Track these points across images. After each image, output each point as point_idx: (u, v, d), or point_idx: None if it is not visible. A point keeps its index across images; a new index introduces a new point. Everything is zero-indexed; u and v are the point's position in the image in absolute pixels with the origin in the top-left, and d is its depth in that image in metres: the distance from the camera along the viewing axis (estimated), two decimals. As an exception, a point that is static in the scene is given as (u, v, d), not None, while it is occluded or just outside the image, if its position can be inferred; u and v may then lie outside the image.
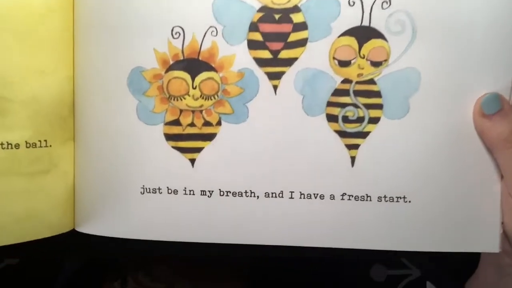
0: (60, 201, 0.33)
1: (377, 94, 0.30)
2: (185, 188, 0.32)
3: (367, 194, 0.31)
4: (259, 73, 0.30)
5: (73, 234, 0.34)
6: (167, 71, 0.31)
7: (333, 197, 0.31)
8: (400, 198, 0.31)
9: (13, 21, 0.29)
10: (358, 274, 0.45)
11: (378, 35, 0.30)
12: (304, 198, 0.32)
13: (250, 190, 0.32)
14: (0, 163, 0.29)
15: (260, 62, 0.30)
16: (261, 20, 0.30)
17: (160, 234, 0.33)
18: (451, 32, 0.29)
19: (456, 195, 0.31)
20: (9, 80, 0.29)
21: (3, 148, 0.30)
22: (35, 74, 0.30)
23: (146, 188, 0.32)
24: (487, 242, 0.31)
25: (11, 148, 0.30)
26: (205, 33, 0.30)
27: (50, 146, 0.31)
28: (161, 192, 0.32)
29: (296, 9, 0.30)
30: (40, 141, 0.31)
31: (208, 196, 0.32)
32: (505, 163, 0.29)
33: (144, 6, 0.30)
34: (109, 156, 0.32)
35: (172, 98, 0.31)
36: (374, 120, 0.31)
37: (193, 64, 0.31)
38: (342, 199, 0.31)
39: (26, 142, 0.30)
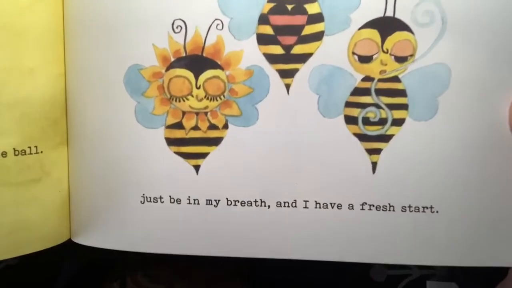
0: (54, 210, 0.30)
1: (402, 93, 0.27)
2: (189, 197, 0.29)
3: (389, 204, 0.28)
4: (270, 70, 0.27)
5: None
6: (167, 69, 0.28)
7: (352, 206, 0.29)
8: (427, 208, 0.28)
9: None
10: (358, 274, 0.44)
11: (404, 27, 0.26)
12: (319, 207, 0.29)
13: (261, 199, 0.29)
14: None
15: (271, 58, 0.27)
16: (272, 11, 0.27)
17: (162, 246, 0.30)
18: (485, 24, 0.26)
19: (489, 205, 0.28)
20: None
21: None
22: (22, 73, 0.27)
23: (146, 197, 0.29)
24: None
25: None
26: (210, 27, 0.27)
27: (41, 152, 0.29)
28: (163, 202, 0.29)
29: (311, -2, 0.26)
30: (29, 147, 0.28)
31: (214, 205, 0.29)
32: None
33: None
34: (105, 162, 0.29)
35: (174, 99, 0.28)
36: (398, 122, 0.27)
37: (197, 61, 0.27)
38: (362, 208, 0.28)
39: (14, 150, 0.27)
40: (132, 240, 0.30)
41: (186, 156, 0.29)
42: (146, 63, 0.28)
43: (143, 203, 0.29)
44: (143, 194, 0.29)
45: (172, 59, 0.28)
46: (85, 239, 0.31)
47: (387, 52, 0.27)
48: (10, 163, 0.27)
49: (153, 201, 0.29)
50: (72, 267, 0.46)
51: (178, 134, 0.28)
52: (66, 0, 0.28)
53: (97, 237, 0.30)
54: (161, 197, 0.29)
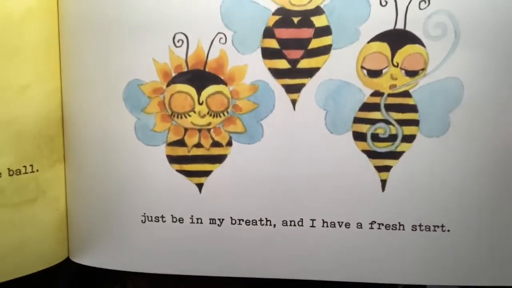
0: (51, 229, 0.29)
1: (413, 108, 0.26)
2: (192, 216, 0.28)
3: (399, 222, 0.27)
4: (275, 85, 0.26)
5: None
6: (168, 85, 0.26)
7: (361, 225, 0.27)
8: (438, 226, 0.27)
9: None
10: None
11: (415, 40, 0.25)
12: (327, 226, 0.28)
13: (266, 218, 0.28)
14: None
15: (277, 73, 0.26)
16: (277, 24, 0.25)
17: (163, 267, 0.29)
18: (500, 36, 0.25)
19: (503, 224, 0.27)
20: None
21: None
22: (16, 90, 0.26)
23: (147, 216, 0.28)
24: None
25: None
26: (213, 41, 0.26)
27: (37, 171, 0.27)
28: (165, 221, 0.28)
29: (318, 11, 0.25)
30: (25, 166, 0.27)
31: (218, 225, 0.28)
32: None
33: (141, 10, 0.26)
34: (104, 180, 0.28)
35: (175, 116, 0.27)
36: (409, 139, 0.26)
37: (199, 76, 0.26)
38: (371, 227, 0.27)
39: (9, 170, 0.26)
40: (133, 260, 0.29)
41: (188, 174, 0.28)
42: (146, 78, 0.26)
43: (144, 222, 0.28)
44: (144, 213, 0.28)
45: (173, 74, 0.26)
46: (83, 259, 0.30)
47: (397, 66, 0.26)
48: (5, 184, 0.26)
49: (154, 220, 0.28)
50: (72, 269, 0.44)
51: (180, 151, 0.27)
52: (61, 14, 0.27)
53: (96, 256, 0.29)
54: (162, 216, 0.28)
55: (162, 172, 0.27)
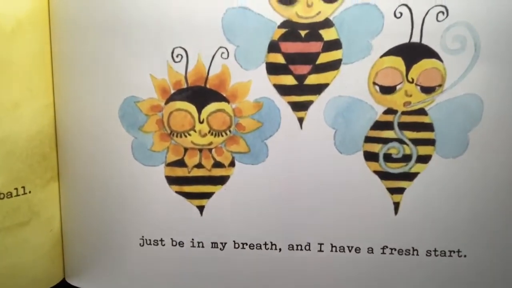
0: (45, 252, 0.27)
1: (429, 127, 0.24)
2: (193, 239, 0.26)
3: (413, 247, 0.25)
4: (281, 103, 0.24)
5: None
6: (167, 102, 0.25)
7: (372, 250, 0.26)
8: (454, 252, 0.25)
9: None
10: None
11: (431, 54, 0.23)
12: (336, 251, 0.26)
13: (271, 242, 0.26)
14: None
15: (283, 89, 0.24)
16: (283, 38, 0.23)
17: None
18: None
19: None
20: None
21: None
22: (6, 107, 0.24)
23: (146, 240, 0.27)
24: None
25: None
26: (214, 55, 0.24)
27: (29, 192, 0.26)
28: (164, 244, 0.26)
29: (327, 23, 0.23)
30: (16, 189, 0.25)
31: (221, 249, 0.26)
32: None
33: (137, 23, 0.24)
34: (100, 200, 0.26)
35: (175, 134, 0.25)
36: (424, 159, 0.24)
37: (199, 94, 0.24)
38: (383, 252, 0.26)
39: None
40: (131, 284, 0.27)
41: (189, 196, 0.26)
42: (143, 95, 0.25)
43: (142, 245, 0.27)
44: (142, 236, 0.27)
45: (172, 91, 0.24)
46: (80, 281, 0.28)
47: (412, 82, 0.24)
48: None
49: (153, 244, 0.27)
50: None
51: (180, 172, 0.26)
52: (53, 27, 0.25)
53: (94, 279, 0.28)
54: (162, 240, 0.26)
55: (161, 193, 0.26)
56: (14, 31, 0.24)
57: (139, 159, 0.25)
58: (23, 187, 0.25)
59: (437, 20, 0.23)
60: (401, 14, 0.23)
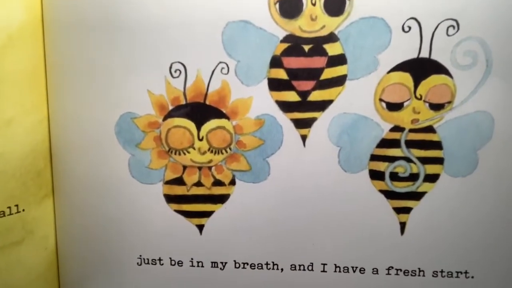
0: (40, 271, 0.26)
1: (437, 145, 0.23)
2: (192, 259, 0.25)
3: (419, 268, 0.24)
4: (284, 120, 0.23)
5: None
6: (165, 119, 0.23)
7: (377, 271, 0.25)
8: (461, 273, 0.24)
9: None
10: None
11: (441, 69, 0.22)
12: (339, 271, 0.25)
13: (273, 262, 0.25)
14: None
15: (285, 106, 0.23)
16: (286, 53, 0.22)
17: None
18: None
19: None
20: None
21: None
22: None
23: (144, 259, 0.25)
24: None
25: None
26: (213, 71, 0.22)
27: (23, 210, 0.24)
28: (163, 264, 0.25)
29: (332, 37, 0.22)
30: (9, 207, 0.24)
31: (221, 268, 0.25)
32: None
33: (134, 35, 0.23)
34: (96, 218, 0.25)
35: (173, 152, 0.24)
36: (432, 178, 0.23)
37: (199, 110, 0.23)
38: (388, 273, 0.24)
39: None
40: None
41: (188, 214, 0.25)
42: (140, 111, 0.23)
43: (140, 265, 0.26)
44: (140, 256, 0.25)
45: (170, 107, 0.23)
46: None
47: (420, 99, 0.22)
48: None
49: (152, 263, 0.25)
50: None
51: (178, 190, 0.24)
52: (48, 41, 0.24)
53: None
54: (160, 259, 0.25)
55: (159, 212, 0.25)
56: (5, 46, 0.22)
57: (137, 176, 0.24)
58: (16, 206, 0.24)
59: (448, 35, 0.22)
60: (410, 28, 0.22)
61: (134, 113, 0.23)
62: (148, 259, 0.25)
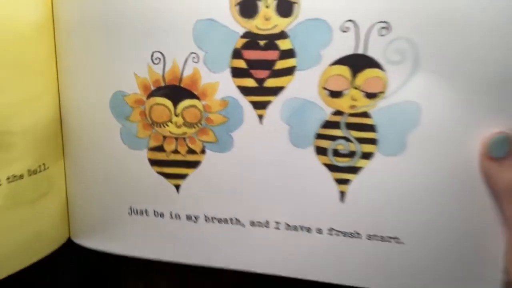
0: (57, 217, 0.31)
1: (372, 128, 0.26)
2: (171, 212, 0.30)
3: (356, 231, 0.28)
4: (244, 102, 0.27)
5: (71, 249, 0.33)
6: (148, 97, 0.28)
7: (320, 231, 0.28)
8: (392, 238, 0.27)
9: (2, 50, 0.26)
10: None
11: (374, 64, 0.25)
12: (290, 229, 0.29)
13: (236, 218, 0.29)
14: (7, 197, 0.27)
15: (245, 90, 0.27)
16: (245, 46, 0.26)
17: (147, 253, 0.31)
18: (458, 64, 0.24)
19: (455, 240, 0.27)
20: (9, 113, 0.27)
21: (9, 182, 0.27)
22: (31, 101, 0.28)
23: (133, 210, 0.30)
24: None
25: (16, 180, 0.28)
26: (186, 60, 0.27)
27: (48, 168, 0.30)
28: (148, 215, 0.30)
29: (283, 35, 0.26)
30: (39, 165, 0.29)
31: (194, 221, 0.30)
32: (509, 213, 0.25)
33: (124, 29, 0.27)
34: (97, 176, 0.30)
35: (155, 125, 0.28)
36: (367, 156, 0.27)
37: (175, 91, 0.27)
38: (330, 234, 0.28)
39: (29, 171, 0.28)
40: (122, 246, 0.31)
41: (167, 176, 0.29)
42: (129, 90, 0.28)
43: (131, 214, 0.31)
44: (130, 207, 0.30)
45: (152, 88, 0.28)
46: (82, 240, 0.32)
47: (357, 88, 0.26)
48: (26, 184, 0.28)
49: (139, 214, 0.30)
50: (72, 278, 0.43)
51: (160, 156, 0.29)
52: (57, 33, 0.29)
53: (92, 240, 0.32)
54: (146, 211, 0.30)
55: (145, 173, 0.29)
56: (31, 36, 0.27)
57: (127, 143, 0.29)
58: (44, 164, 0.29)
59: (381, 35, 0.25)
60: (348, 28, 0.25)
61: (124, 92, 0.28)
62: (136, 210, 0.30)
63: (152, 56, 0.27)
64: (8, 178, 0.27)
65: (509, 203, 0.25)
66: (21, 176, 0.28)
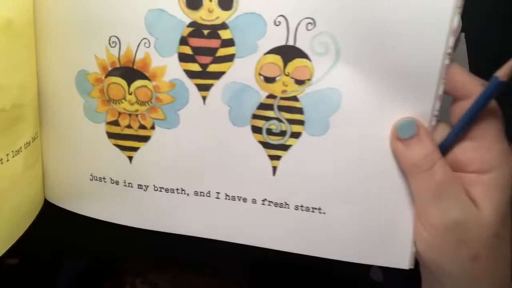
0: (41, 182, 0.35)
1: (300, 111, 0.30)
2: (125, 180, 0.33)
3: (285, 202, 0.31)
4: (189, 84, 0.30)
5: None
6: (106, 76, 0.31)
7: (255, 201, 0.32)
8: (316, 209, 0.31)
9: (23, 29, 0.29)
10: (358, 274, 0.45)
11: (302, 55, 0.29)
12: (229, 199, 0.32)
13: (181, 188, 0.33)
14: (25, 160, 0.31)
15: (190, 74, 0.30)
16: (190, 34, 0.29)
17: (106, 216, 0.34)
18: (374, 57, 0.28)
19: (370, 212, 0.30)
20: (26, 86, 0.30)
21: (25, 148, 0.31)
22: (34, 77, 0.31)
23: (94, 176, 0.33)
24: (398, 259, 0.31)
25: (27, 146, 0.31)
26: (139, 44, 0.30)
27: (38, 136, 0.33)
28: (106, 182, 0.33)
29: (224, 26, 0.29)
30: (36, 133, 0.32)
31: (144, 190, 0.33)
32: (415, 188, 0.28)
33: (86, 14, 0.30)
34: (65, 146, 0.33)
35: (112, 101, 0.32)
36: (296, 135, 0.30)
37: (129, 72, 0.30)
38: (263, 204, 0.32)
39: (32, 139, 0.32)
40: (86, 207, 0.34)
41: (122, 148, 0.32)
42: (90, 69, 0.31)
43: (92, 180, 0.34)
44: (91, 174, 0.34)
45: (110, 69, 0.31)
46: (54, 202, 0.36)
47: (288, 75, 0.29)
48: (30, 151, 0.32)
49: (99, 180, 0.33)
50: (71, 272, 0.46)
51: (115, 130, 0.32)
52: (37, 13, 0.31)
53: (63, 202, 0.35)
54: (104, 178, 0.33)
55: (103, 144, 0.32)
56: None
57: (88, 117, 0.32)
58: (37, 132, 0.33)
59: (307, 29, 0.28)
60: (280, 22, 0.28)
61: (87, 71, 0.31)
62: (96, 177, 0.33)
63: (109, 40, 0.30)
64: (24, 145, 0.31)
65: (415, 178, 0.28)
66: (28, 143, 0.32)
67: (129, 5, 0.29)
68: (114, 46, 0.30)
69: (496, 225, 0.27)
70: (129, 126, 0.32)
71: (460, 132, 0.27)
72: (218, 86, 0.30)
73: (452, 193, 0.27)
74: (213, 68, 0.29)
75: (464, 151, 0.28)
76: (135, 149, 0.32)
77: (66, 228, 0.39)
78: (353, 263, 0.31)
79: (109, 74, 0.31)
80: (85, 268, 0.45)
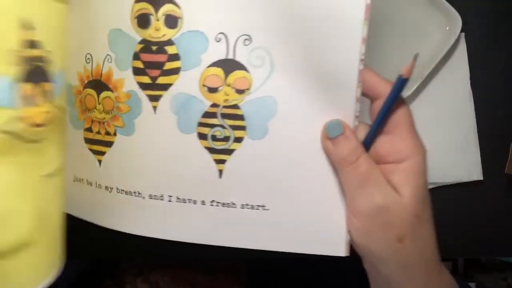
0: None
1: (241, 118, 0.32)
2: (96, 182, 0.36)
3: (232, 202, 0.33)
4: (142, 95, 0.33)
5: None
6: (83, 89, 0.35)
7: (204, 202, 0.34)
8: (260, 206, 0.33)
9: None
10: (357, 273, 0.44)
11: (241, 67, 0.31)
12: (180, 202, 0.34)
13: (138, 192, 0.35)
14: None
15: (142, 85, 0.32)
16: (142, 50, 0.32)
17: (84, 216, 0.38)
18: (303, 68, 0.30)
19: (308, 207, 0.32)
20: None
21: None
22: None
23: (76, 178, 0.37)
24: (335, 248, 0.32)
25: None
26: (104, 60, 0.33)
27: None
28: (83, 183, 0.37)
29: (170, 42, 0.32)
30: None
31: (109, 191, 0.36)
32: (343, 180, 0.31)
33: (74, 35, 0.34)
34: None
35: (87, 110, 0.35)
36: (239, 140, 0.32)
37: (98, 84, 0.34)
38: (212, 204, 0.34)
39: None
40: (71, 206, 0.37)
41: (94, 152, 0.36)
42: (74, 83, 0.35)
43: (74, 181, 0.37)
44: (74, 175, 0.37)
45: (86, 81, 0.35)
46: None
47: (229, 86, 0.31)
48: None
49: (79, 182, 0.37)
50: (72, 272, 0.47)
51: (89, 135, 0.36)
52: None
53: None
54: (81, 179, 0.37)
55: (81, 148, 0.36)
56: None
57: (72, 124, 0.36)
58: None
59: (244, 45, 0.30)
60: (220, 39, 0.31)
61: (71, 84, 0.35)
62: (77, 178, 0.37)
63: (85, 57, 0.34)
64: None
65: (343, 171, 0.30)
66: None
67: (97, 26, 0.33)
68: (89, 62, 0.34)
69: (416, 207, 0.29)
70: (98, 132, 0.35)
71: (377, 128, 0.29)
72: (167, 96, 0.32)
73: (375, 181, 0.29)
74: (161, 80, 0.32)
75: (382, 144, 0.30)
76: (103, 153, 0.36)
77: (66, 228, 0.43)
78: (354, 263, 0.33)
79: (85, 86, 0.35)
80: (85, 268, 0.48)
